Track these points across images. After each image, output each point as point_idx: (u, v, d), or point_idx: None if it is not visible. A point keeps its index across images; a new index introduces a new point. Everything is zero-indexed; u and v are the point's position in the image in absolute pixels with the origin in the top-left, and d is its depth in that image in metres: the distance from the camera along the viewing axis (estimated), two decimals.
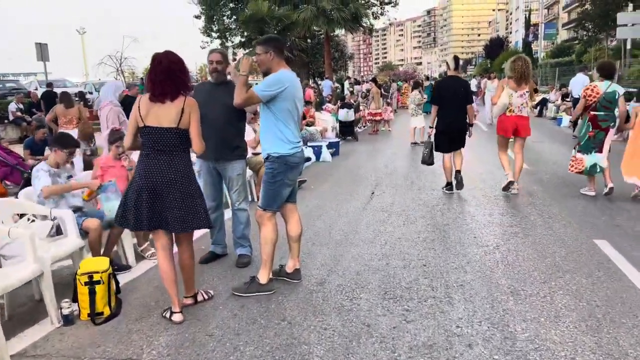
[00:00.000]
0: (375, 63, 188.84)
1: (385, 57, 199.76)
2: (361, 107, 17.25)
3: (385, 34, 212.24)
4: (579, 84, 12.28)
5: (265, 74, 3.77)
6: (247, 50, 21.21)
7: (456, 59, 7.23)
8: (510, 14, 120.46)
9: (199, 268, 4.36)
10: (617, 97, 6.22)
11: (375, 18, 31.64)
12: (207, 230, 4.64)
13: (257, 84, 6.09)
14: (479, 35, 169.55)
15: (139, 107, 3.26)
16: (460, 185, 6.87)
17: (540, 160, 9.40)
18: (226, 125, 4.27)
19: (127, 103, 8.50)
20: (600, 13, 27.41)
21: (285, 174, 3.72)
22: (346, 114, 13.78)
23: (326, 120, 13.70)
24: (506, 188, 6.72)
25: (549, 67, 34.07)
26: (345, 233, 5.26)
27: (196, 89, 4.62)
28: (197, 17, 32.01)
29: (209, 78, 4.53)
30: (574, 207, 5.95)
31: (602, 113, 6.25)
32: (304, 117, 11.67)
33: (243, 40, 21.89)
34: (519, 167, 6.81)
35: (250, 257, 4.48)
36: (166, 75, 3.26)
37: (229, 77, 4.39)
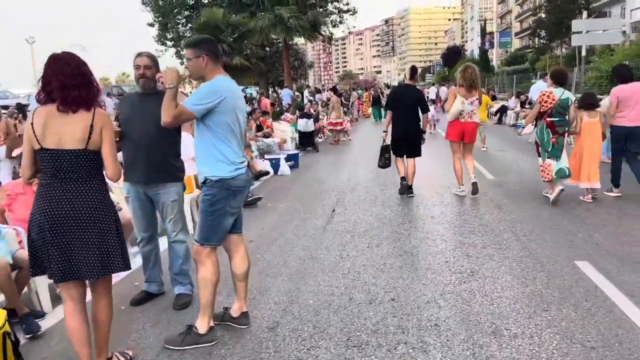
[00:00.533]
0: (336, 72, 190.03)
1: (346, 66, 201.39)
2: (321, 116, 16.76)
3: (344, 43, 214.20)
4: (539, 91, 12.11)
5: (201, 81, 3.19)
6: None
7: (413, 69, 7.70)
8: (466, 23, 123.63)
9: (129, 311, 3.70)
10: (569, 103, 6.35)
11: (334, 26, 31.37)
12: (140, 265, 4.01)
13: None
14: (436, 44, 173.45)
15: (32, 124, 2.59)
16: (410, 192, 7.14)
17: (505, 170, 9.07)
18: (158, 142, 3.62)
19: None
20: (555, 20, 28.01)
21: (226, 200, 3.11)
22: (306, 124, 13.24)
23: (285, 131, 13.11)
24: (458, 195, 7.03)
25: (506, 74, 34.62)
26: (303, 260, 4.67)
27: (121, 101, 3.97)
28: (151, 25, 30.95)
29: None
30: (547, 222, 5.56)
31: (557, 119, 6.34)
32: (259, 129, 11.06)
33: None
34: (472, 167, 7.09)
35: (190, 297, 3.83)
36: (76, 78, 2.62)
37: (159, 85, 3.77)
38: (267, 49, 31.63)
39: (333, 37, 31.98)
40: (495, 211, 6.15)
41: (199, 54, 3.07)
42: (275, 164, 9.82)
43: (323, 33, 29.54)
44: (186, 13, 30.64)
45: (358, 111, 26.19)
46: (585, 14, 17.69)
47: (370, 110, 25.39)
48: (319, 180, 8.87)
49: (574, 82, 15.66)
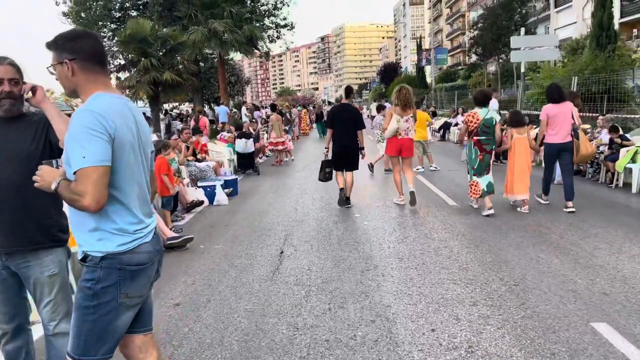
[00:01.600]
0: (274, 88, 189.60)
1: (283, 83, 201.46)
2: (261, 135, 15.65)
3: (281, 60, 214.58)
4: (491, 108, 11.68)
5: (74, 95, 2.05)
6: (127, 75, 18.65)
7: (348, 89, 8.17)
8: (399, 41, 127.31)
9: None
10: (494, 123, 6.77)
11: (271, 42, 30.37)
12: None
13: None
14: (370, 61, 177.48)
15: None
16: (347, 203, 7.58)
17: (464, 194, 8.23)
18: (27, 189, 2.38)
19: None
20: (493, 37, 28.50)
21: (119, 288, 1.94)
22: (245, 145, 12.05)
23: (221, 153, 11.86)
24: (398, 204, 7.54)
25: (444, 90, 35.01)
26: (246, 334, 3.52)
27: None
28: None
29: None
30: (536, 264, 4.72)
31: (483, 137, 6.77)
32: (193, 153, 9.76)
33: (123, 62, 19.39)
34: (411, 179, 7.48)
35: None
36: None
37: (26, 106, 2.55)
38: (202, 64, 30.17)
39: (270, 52, 30.96)
40: (472, 249, 5.26)
41: (60, 59, 1.93)
42: (210, 192, 8.58)
43: (260, 48, 28.55)
44: (113, 26, 28.68)
45: (299, 129, 25.32)
46: (522, 30, 17.74)
47: (315, 126, 25.35)
48: (262, 212, 7.72)
49: (518, 98, 15.50)
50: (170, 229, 6.69)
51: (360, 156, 7.66)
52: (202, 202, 8.13)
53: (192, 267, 5.11)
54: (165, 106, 35.31)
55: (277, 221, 6.98)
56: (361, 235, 6.02)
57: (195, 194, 8.32)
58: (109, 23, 28.53)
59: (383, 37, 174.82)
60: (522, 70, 17.51)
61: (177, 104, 37.52)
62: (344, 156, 7.52)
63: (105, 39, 28.84)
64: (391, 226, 6.38)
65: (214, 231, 6.63)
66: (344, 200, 7.55)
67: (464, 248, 5.31)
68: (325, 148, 7.85)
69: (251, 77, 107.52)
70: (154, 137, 10.92)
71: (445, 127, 19.93)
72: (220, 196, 8.55)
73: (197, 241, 6.00)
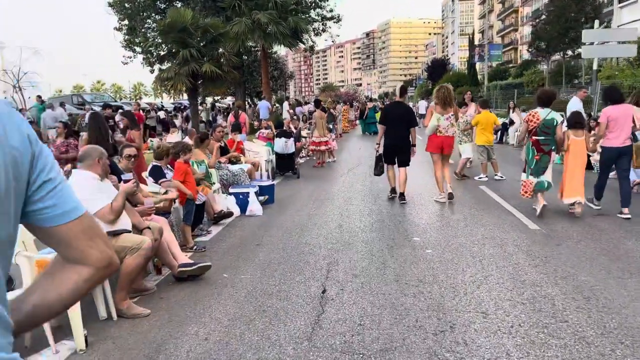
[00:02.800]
0: (317, 84, 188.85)
1: (326, 78, 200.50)
2: (304, 134, 14.49)
3: (325, 56, 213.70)
4: (574, 108, 10.07)
5: None
6: (168, 65, 17.89)
7: (403, 88, 8.38)
8: (446, 37, 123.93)
9: None
10: (555, 123, 6.54)
11: (316, 34, 29.20)
12: None
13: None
14: (416, 57, 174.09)
15: None
16: (402, 198, 7.78)
17: (546, 212, 6.77)
18: None
19: None
20: (560, 30, 26.19)
21: None
22: (284, 146, 10.89)
23: (259, 153, 10.76)
24: (438, 201, 7.74)
25: (499, 88, 32.82)
26: None
27: None
28: (118, 29, 28.42)
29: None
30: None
31: (542, 137, 6.58)
32: (224, 152, 8.64)
33: (163, 53, 18.63)
34: (448, 178, 7.87)
35: None
36: None
37: None
38: (245, 57, 29.36)
39: (315, 46, 29.76)
40: (582, 303, 3.87)
41: None
42: (243, 200, 7.47)
43: (305, 42, 27.42)
44: (157, 17, 28.20)
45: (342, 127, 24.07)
46: (597, 23, 15.83)
47: (358, 123, 24.79)
48: (300, 227, 6.53)
49: (595, 100, 13.71)
50: (192, 248, 5.61)
51: (412, 154, 7.88)
52: (231, 214, 7.01)
53: (208, 310, 3.96)
54: (209, 99, 34.82)
55: (318, 242, 5.78)
56: (425, 270, 4.73)
57: (225, 202, 7.23)
58: (153, 14, 28.07)
59: (430, 33, 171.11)
60: (595, 67, 15.69)
61: (219, 97, 36.95)
62: (395, 152, 7.83)
63: (150, 30, 28.48)
64: (463, 258, 5.05)
65: (242, 253, 5.48)
66: (398, 196, 7.82)
67: (570, 301, 3.94)
68: (377, 144, 8.09)
69: (294, 72, 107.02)
70: (167, 138, 9.84)
71: (503, 128, 18.18)
72: (254, 206, 7.42)
73: (219, 267, 4.88)
